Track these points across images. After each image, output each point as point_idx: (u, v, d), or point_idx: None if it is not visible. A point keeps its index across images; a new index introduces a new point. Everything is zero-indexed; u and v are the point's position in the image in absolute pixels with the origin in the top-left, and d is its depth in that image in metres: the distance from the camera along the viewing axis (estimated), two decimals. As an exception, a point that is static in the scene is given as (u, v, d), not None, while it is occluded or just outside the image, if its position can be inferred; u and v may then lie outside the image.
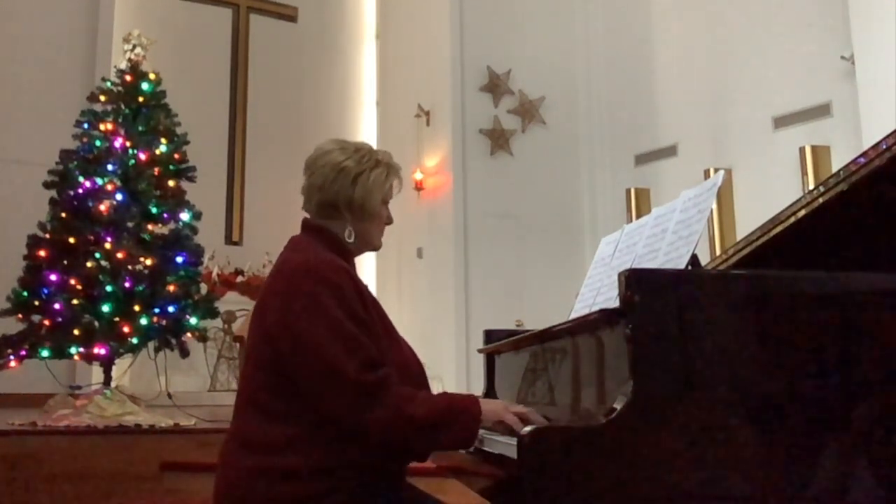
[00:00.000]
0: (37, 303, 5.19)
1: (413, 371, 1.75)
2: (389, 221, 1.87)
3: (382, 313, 1.76)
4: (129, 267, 5.27)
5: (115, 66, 6.24)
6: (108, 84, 5.94)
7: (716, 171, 6.64)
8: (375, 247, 1.87)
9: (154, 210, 5.59)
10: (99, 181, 5.43)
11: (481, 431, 1.65)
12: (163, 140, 5.74)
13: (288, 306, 1.62)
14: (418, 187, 8.66)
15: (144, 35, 6.06)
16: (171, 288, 5.40)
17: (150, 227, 5.59)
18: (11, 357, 5.12)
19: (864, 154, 1.52)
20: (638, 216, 7.76)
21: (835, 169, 2.09)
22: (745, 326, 1.37)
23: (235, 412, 1.71)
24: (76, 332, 5.15)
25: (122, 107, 5.82)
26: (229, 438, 1.70)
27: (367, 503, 1.63)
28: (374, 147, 1.86)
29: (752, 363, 1.36)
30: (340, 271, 1.66)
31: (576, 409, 1.63)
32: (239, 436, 1.68)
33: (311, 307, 1.60)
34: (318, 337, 1.58)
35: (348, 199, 1.77)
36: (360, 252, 1.86)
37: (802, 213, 1.64)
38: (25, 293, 5.20)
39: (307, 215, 1.84)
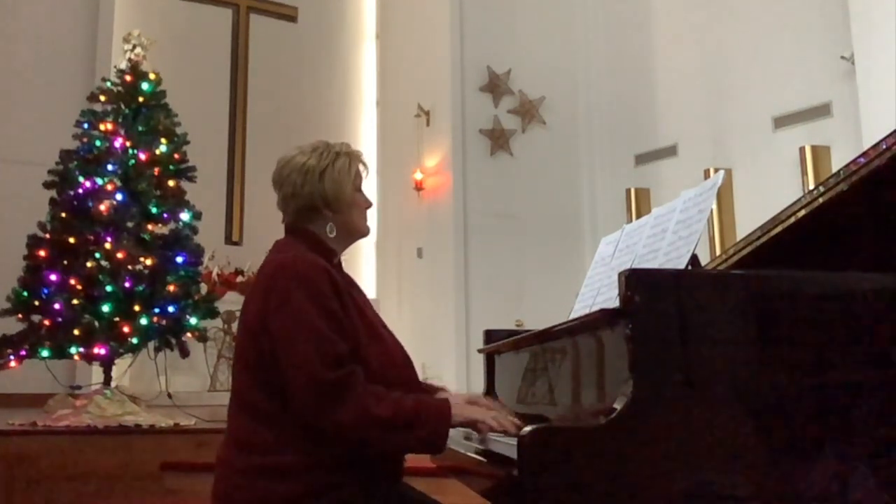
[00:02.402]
0: (37, 303, 5.19)
1: (398, 366, 1.75)
2: (368, 205, 1.89)
3: (363, 310, 1.76)
4: (129, 267, 5.27)
5: (115, 66, 6.24)
6: (108, 84, 5.94)
7: (716, 171, 6.63)
8: (362, 232, 1.88)
9: (154, 210, 5.59)
10: (99, 181, 5.43)
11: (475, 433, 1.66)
12: (163, 140, 5.74)
13: (266, 305, 1.65)
14: (418, 187, 8.65)
15: (144, 35, 6.06)
16: (171, 288, 5.40)
17: (150, 227, 5.59)
18: (11, 357, 5.12)
19: (864, 154, 1.52)
20: (638, 216, 7.76)
21: (835, 169, 2.09)
22: (744, 326, 1.37)
23: (229, 413, 1.72)
24: (76, 332, 5.15)
25: (122, 107, 5.82)
26: (225, 439, 1.70)
27: (363, 501, 1.63)
28: (333, 143, 1.87)
29: (752, 363, 1.36)
30: (317, 269, 1.67)
31: (576, 409, 1.63)
32: (234, 436, 1.68)
33: (284, 304, 1.62)
34: (288, 333, 1.60)
35: (322, 196, 1.79)
36: (348, 243, 1.87)
37: (802, 213, 1.64)
38: (25, 293, 5.20)
39: (282, 221, 1.87)
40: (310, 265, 1.67)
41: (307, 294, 1.62)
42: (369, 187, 1.91)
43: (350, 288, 1.76)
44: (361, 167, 1.86)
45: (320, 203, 1.79)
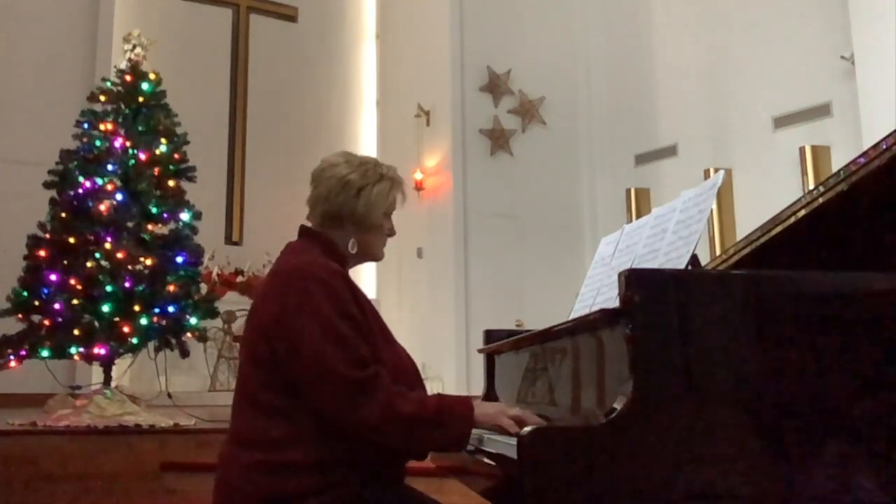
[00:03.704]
0: (37, 303, 5.19)
1: (408, 373, 1.77)
2: (392, 234, 1.90)
3: (377, 316, 1.78)
4: (129, 267, 5.27)
5: (115, 66, 6.24)
6: (108, 84, 5.94)
7: (716, 171, 6.63)
8: (376, 257, 1.91)
9: (154, 210, 5.59)
10: (99, 181, 5.43)
11: (480, 432, 1.66)
12: (163, 140, 5.74)
13: (283, 306, 1.65)
14: (418, 187, 8.66)
15: (144, 35, 6.06)
16: (171, 288, 5.40)
17: (150, 227, 5.59)
18: (11, 357, 5.12)
19: (864, 154, 1.52)
20: (638, 216, 7.76)
21: (835, 169, 2.09)
22: (745, 326, 1.37)
23: (234, 411, 1.72)
24: (76, 332, 5.15)
25: (122, 107, 5.82)
26: (229, 437, 1.71)
27: (365, 500, 1.63)
28: (380, 160, 1.89)
29: (752, 363, 1.36)
30: (335, 273, 1.69)
31: (576, 409, 1.63)
32: (238, 434, 1.69)
33: (305, 306, 1.63)
34: (311, 335, 1.61)
35: (352, 210, 1.81)
36: (360, 262, 1.90)
37: (802, 213, 1.63)
38: (25, 293, 5.20)
39: (307, 217, 1.87)
40: (326, 269, 1.69)
41: (327, 296, 1.64)
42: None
43: (361, 293, 1.77)
44: (399, 196, 1.88)
45: (347, 217, 1.81)
